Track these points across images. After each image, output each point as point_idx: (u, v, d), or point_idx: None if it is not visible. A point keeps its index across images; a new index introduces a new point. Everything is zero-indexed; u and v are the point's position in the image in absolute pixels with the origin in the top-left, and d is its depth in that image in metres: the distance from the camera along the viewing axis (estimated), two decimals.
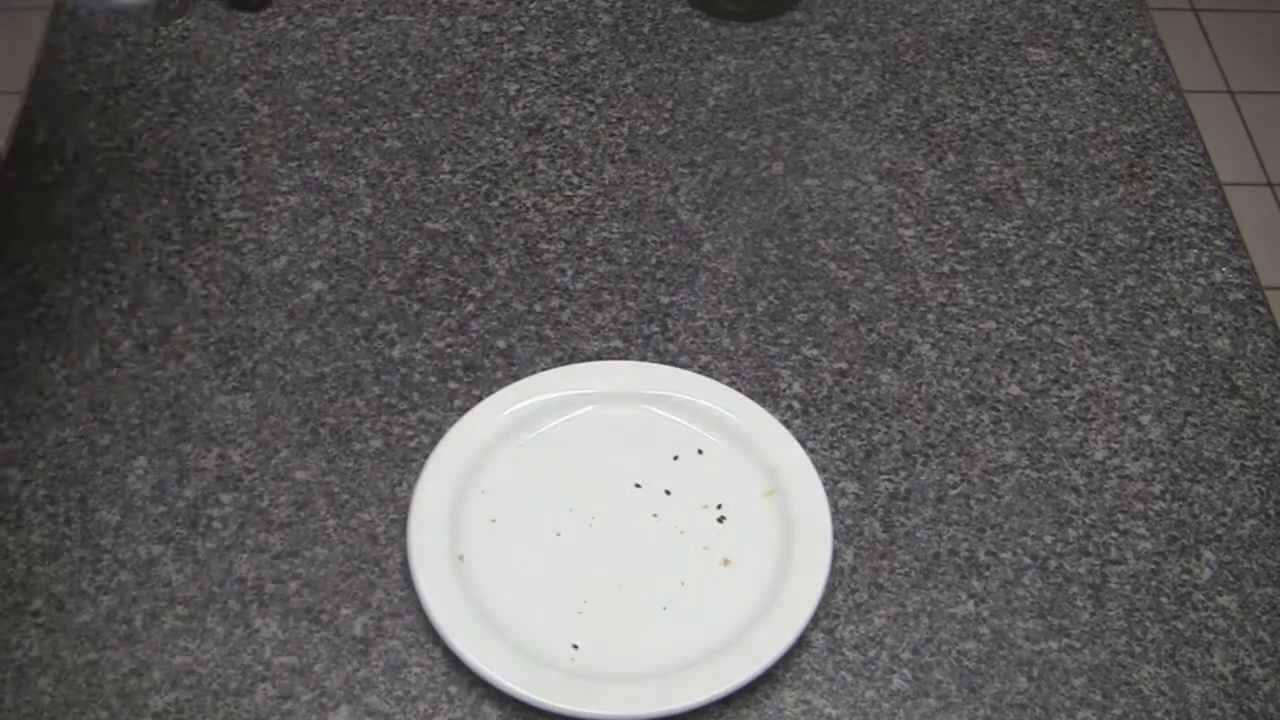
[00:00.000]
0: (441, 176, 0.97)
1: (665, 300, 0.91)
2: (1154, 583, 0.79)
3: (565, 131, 1.00)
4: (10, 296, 0.89)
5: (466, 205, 0.96)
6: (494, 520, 0.80)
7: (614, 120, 1.01)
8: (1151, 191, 0.99)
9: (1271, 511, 0.83)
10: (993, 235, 0.96)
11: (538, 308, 0.90)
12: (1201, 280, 0.94)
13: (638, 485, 0.82)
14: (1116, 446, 0.85)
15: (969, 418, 0.86)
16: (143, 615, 0.76)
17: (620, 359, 0.88)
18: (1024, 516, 0.82)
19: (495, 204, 0.96)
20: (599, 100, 1.03)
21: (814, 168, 0.99)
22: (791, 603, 0.75)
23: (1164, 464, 0.84)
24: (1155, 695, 0.75)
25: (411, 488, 0.81)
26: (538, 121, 1.01)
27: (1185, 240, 0.96)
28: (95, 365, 0.86)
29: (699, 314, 0.90)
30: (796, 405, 0.86)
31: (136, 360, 0.87)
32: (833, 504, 0.81)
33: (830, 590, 0.78)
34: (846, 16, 1.10)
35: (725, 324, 0.90)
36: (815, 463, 0.82)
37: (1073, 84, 1.06)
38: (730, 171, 0.99)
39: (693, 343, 0.89)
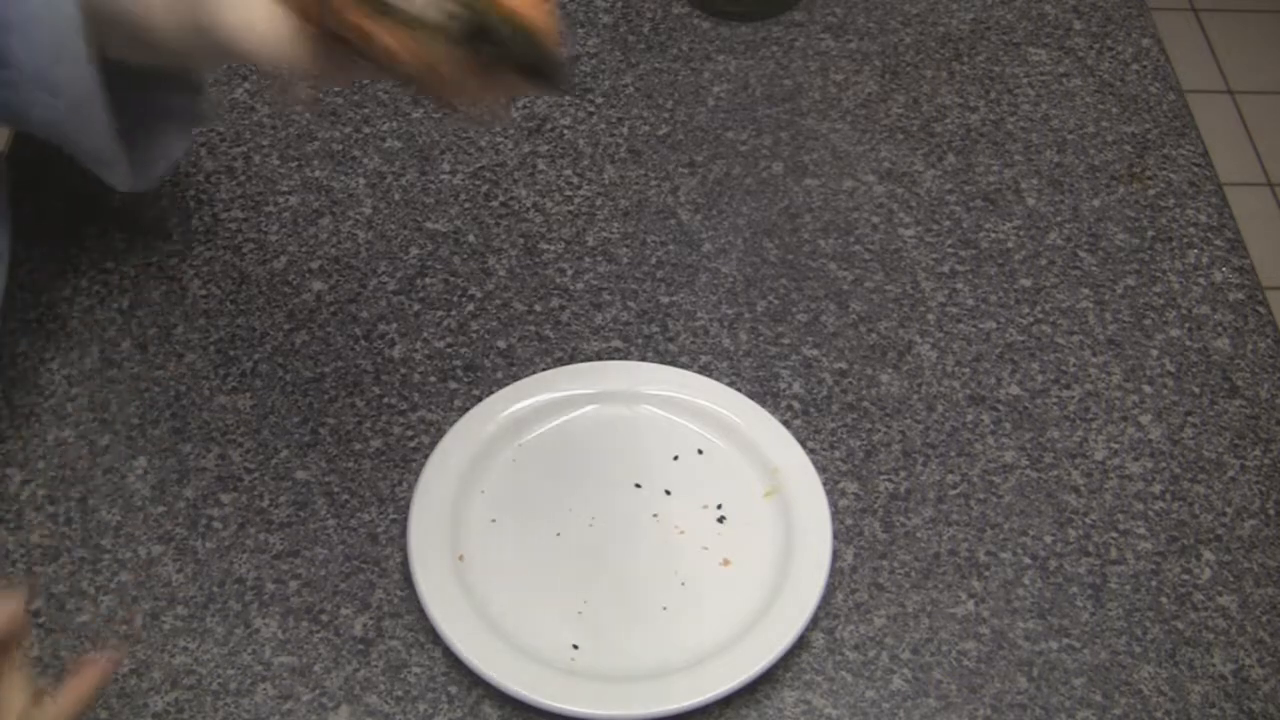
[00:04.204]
0: (441, 176, 0.97)
1: (665, 300, 0.91)
2: (1154, 583, 0.79)
3: (565, 131, 1.00)
4: (10, 296, 0.89)
5: (466, 205, 0.96)
6: (494, 520, 0.80)
7: (614, 120, 1.01)
8: (1151, 191, 0.99)
9: (1271, 511, 0.83)
10: (993, 235, 0.96)
11: (538, 308, 0.90)
12: (1201, 280, 0.94)
13: (638, 485, 0.82)
14: (1116, 446, 0.85)
15: (969, 418, 0.86)
16: (143, 615, 0.76)
17: (620, 359, 0.88)
18: (1024, 516, 0.82)
19: (495, 204, 0.96)
20: (599, 100, 1.03)
21: (814, 168, 0.99)
22: (791, 603, 0.75)
23: (1164, 464, 0.84)
24: (1155, 695, 0.75)
25: (411, 488, 0.81)
26: (538, 121, 1.01)
27: (1185, 240, 0.96)
28: (95, 365, 0.86)
29: (699, 314, 0.90)
30: (796, 405, 0.86)
31: (136, 360, 0.87)
32: (833, 504, 0.81)
33: (830, 590, 0.78)
34: (846, 16, 1.09)
35: (725, 324, 0.90)
36: (815, 463, 0.82)
37: (1073, 84, 1.06)
38: (730, 171, 0.99)
39: (693, 343, 0.89)
